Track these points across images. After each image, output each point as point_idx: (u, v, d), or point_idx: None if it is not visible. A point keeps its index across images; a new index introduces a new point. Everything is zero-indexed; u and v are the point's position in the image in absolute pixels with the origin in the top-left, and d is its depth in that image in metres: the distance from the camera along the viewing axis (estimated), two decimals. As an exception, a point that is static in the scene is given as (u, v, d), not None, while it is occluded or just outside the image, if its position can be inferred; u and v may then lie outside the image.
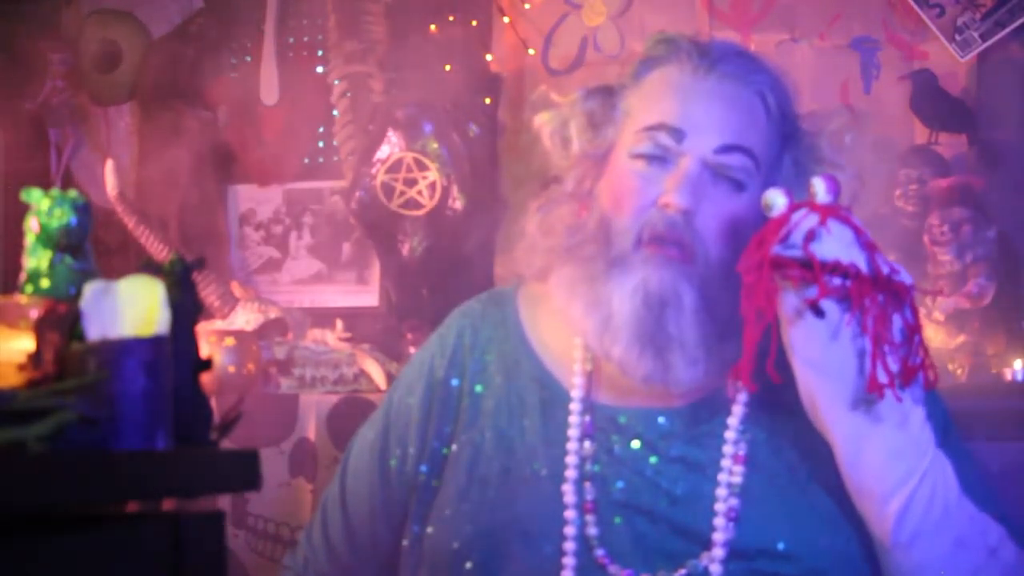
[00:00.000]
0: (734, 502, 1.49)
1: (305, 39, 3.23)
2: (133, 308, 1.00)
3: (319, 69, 3.18)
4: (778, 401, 1.50)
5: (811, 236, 1.38)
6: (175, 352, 1.02)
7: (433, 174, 2.87)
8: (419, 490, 1.59)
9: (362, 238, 3.09)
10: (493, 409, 1.58)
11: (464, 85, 3.03)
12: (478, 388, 1.60)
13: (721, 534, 1.48)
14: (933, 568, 1.44)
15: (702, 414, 1.54)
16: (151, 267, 1.06)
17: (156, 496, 1.04)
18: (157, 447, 0.98)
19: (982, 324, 2.69)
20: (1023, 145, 2.82)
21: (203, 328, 2.63)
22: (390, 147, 2.89)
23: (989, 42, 2.80)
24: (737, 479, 1.50)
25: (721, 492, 1.50)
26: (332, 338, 2.77)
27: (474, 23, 3.09)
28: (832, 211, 1.40)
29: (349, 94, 3.12)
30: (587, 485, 1.52)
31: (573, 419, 1.55)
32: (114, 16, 3.30)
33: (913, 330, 1.41)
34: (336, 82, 3.13)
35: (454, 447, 1.59)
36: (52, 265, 1.11)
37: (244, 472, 1.03)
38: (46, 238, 1.11)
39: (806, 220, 1.39)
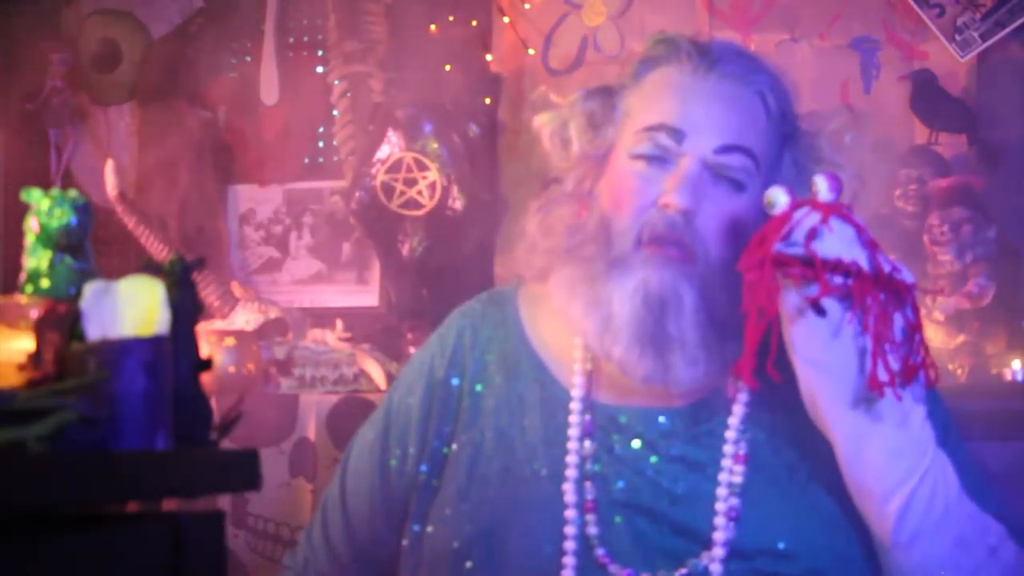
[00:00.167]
0: (734, 501, 1.49)
1: (305, 39, 3.23)
2: (133, 308, 1.00)
3: (319, 69, 3.18)
4: (779, 401, 1.50)
5: (813, 234, 1.38)
6: (175, 352, 1.02)
7: (433, 174, 2.86)
8: (419, 490, 1.59)
9: (362, 238, 3.09)
10: (493, 409, 1.58)
11: (464, 85, 3.03)
12: (478, 388, 1.61)
13: (721, 533, 1.48)
14: (933, 567, 1.44)
15: (703, 413, 1.54)
16: (151, 267, 1.06)
17: (156, 496, 1.04)
18: (157, 447, 0.98)
19: (982, 324, 2.69)
20: (1023, 145, 2.82)
21: (203, 328, 2.63)
22: (390, 147, 2.89)
23: (989, 42, 2.80)
24: (737, 479, 1.50)
25: (721, 492, 1.50)
26: (332, 338, 2.76)
27: (474, 23, 3.09)
28: (834, 209, 1.40)
29: (349, 94, 3.12)
30: (587, 484, 1.52)
31: (573, 418, 1.55)
32: (114, 16, 3.30)
33: (914, 329, 1.41)
34: (336, 82, 3.13)
35: (454, 447, 1.59)
36: (52, 265, 1.11)
37: (244, 472, 1.03)
38: (46, 238, 1.11)
39: (808, 218, 1.39)
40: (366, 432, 1.68)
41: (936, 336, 2.62)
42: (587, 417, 1.55)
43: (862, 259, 1.39)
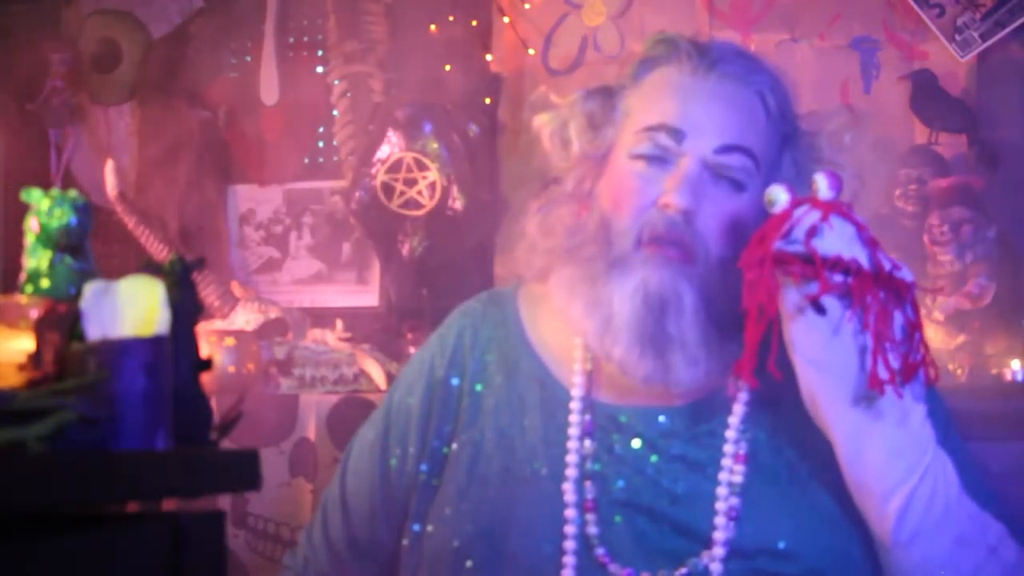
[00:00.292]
0: (735, 501, 1.49)
1: (305, 39, 3.23)
2: (133, 308, 1.00)
3: (319, 69, 3.18)
4: (779, 400, 1.50)
5: (813, 232, 1.38)
6: (175, 352, 1.02)
7: (433, 174, 2.86)
8: (419, 489, 1.59)
9: (362, 238, 3.09)
10: (493, 408, 1.59)
11: (464, 85, 3.03)
12: (478, 387, 1.61)
13: (722, 533, 1.48)
14: (933, 566, 1.44)
15: (703, 413, 1.54)
16: (151, 267, 1.06)
17: (156, 496, 1.04)
18: (157, 447, 0.98)
19: (982, 324, 2.69)
20: (1023, 145, 2.82)
21: (203, 328, 2.63)
22: (390, 147, 2.89)
23: (989, 42, 2.80)
24: (738, 478, 1.50)
25: (722, 491, 1.50)
26: (332, 338, 2.76)
27: (474, 23, 3.09)
28: (834, 207, 1.40)
29: (349, 94, 3.12)
30: (587, 484, 1.52)
31: (573, 418, 1.55)
32: (114, 16, 3.30)
33: (914, 327, 1.41)
34: (336, 82, 3.13)
35: (454, 446, 1.59)
36: (52, 265, 1.11)
37: (244, 472, 1.03)
38: (46, 238, 1.11)
39: (808, 216, 1.39)
40: (366, 432, 1.68)
41: (936, 336, 2.62)
42: (587, 417, 1.55)
43: (862, 257, 1.39)
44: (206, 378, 1.08)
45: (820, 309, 1.38)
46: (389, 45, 3.10)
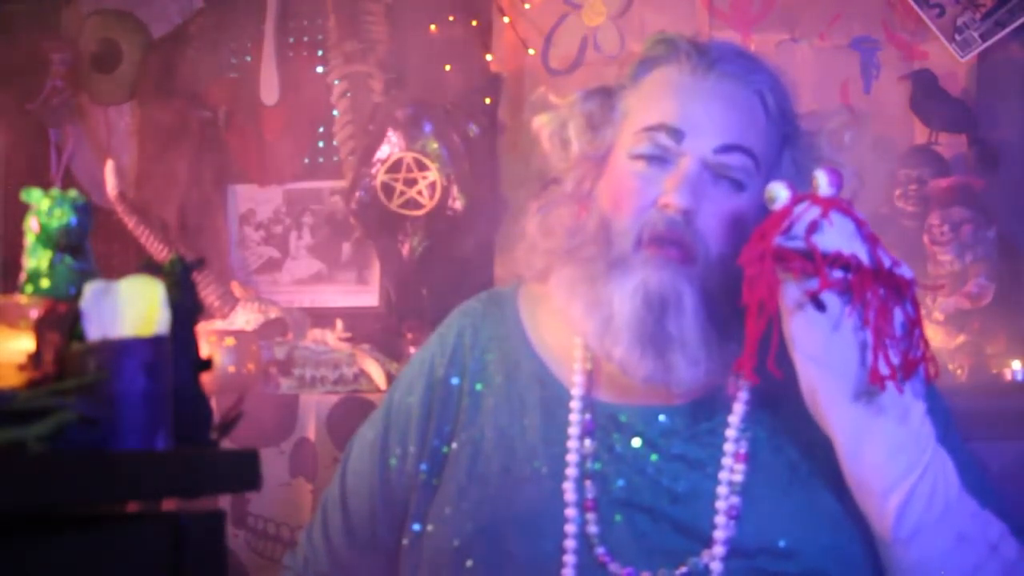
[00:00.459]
0: (735, 500, 1.49)
1: (305, 39, 3.23)
2: (133, 308, 1.00)
3: (319, 69, 3.18)
4: (779, 399, 1.50)
5: (813, 227, 1.38)
6: (175, 352, 1.02)
7: (433, 174, 2.87)
8: (419, 489, 1.59)
9: (362, 238, 3.09)
10: (493, 408, 1.59)
11: (464, 85, 3.03)
12: (478, 387, 1.61)
13: (722, 532, 1.48)
14: (934, 563, 1.44)
15: (703, 412, 1.54)
16: (151, 267, 1.06)
17: (156, 496, 1.04)
18: (157, 447, 0.98)
19: (982, 324, 2.69)
20: (1023, 145, 2.82)
21: (203, 328, 2.63)
22: (390, 147, 2.89)
23: (989, 42, 2.80)
24: (738, 477, 1.50)
25: (722, 490, 1.50)
26: (332, 338, 2.76)
27: (474, 23, 3.09)
28: (834, 203, 1.40)
29: (349, 94, 3.12)
30: (588, 483, 1.52)
31: (574, 417, 1.55)
32: (114, 16, 3.30)
33: (914, 324, 1.41)
34: (336, 82, 3.13)
35: (454, 446, 1.59)
36: (52, 265, 1.11)
37: (244, 472, 1.03)
38: (46, 238, 1.11)
39: (808, 212, 1.39)
40: (366, 432, 1.68)
41: (936, 336, 2.62)
42: (587, 416, 1.55)
43: (862, 253, 1.39)
44: (206, 378, 1.08)
45: (820, 306, 1.38)
46: (389, 45, 3.10)
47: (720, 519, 1.48)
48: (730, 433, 1.52)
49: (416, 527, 1.59)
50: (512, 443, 1.56)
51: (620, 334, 1.48)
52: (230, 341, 2.62)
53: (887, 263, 1.40)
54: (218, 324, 2.78)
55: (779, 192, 1.41)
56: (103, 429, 0.96)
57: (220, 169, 3.25)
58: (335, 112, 3.14)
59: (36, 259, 1.12)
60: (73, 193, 1.13)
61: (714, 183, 1.50)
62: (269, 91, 3.19)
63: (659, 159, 1.51)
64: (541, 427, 1.56)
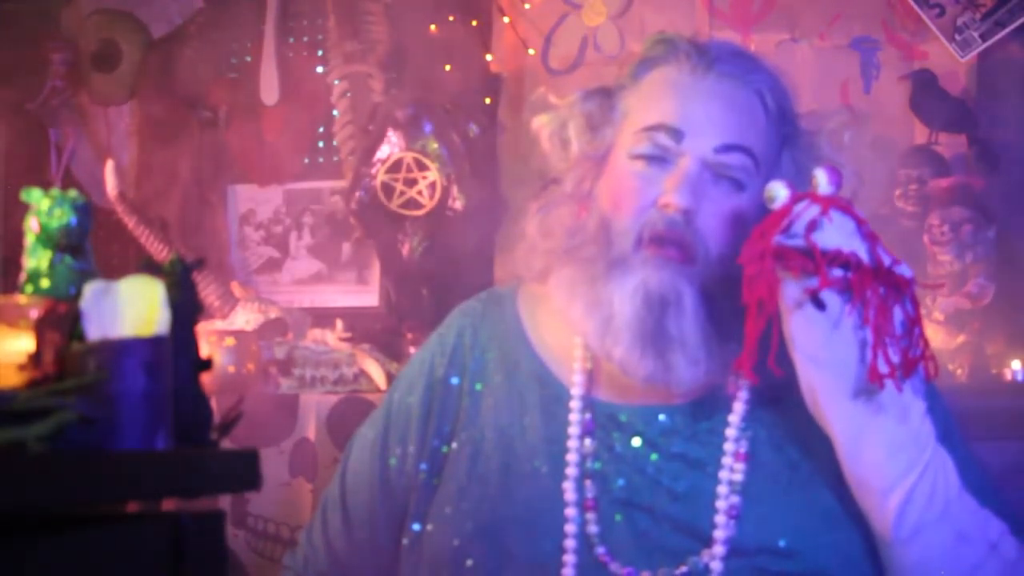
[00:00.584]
0: (735, 499, 1.49)
1: (305, 39, 3.23)
2: (133, 308, 1.00)
3: (319, 69, 3.19)
4: (779, 398, 1.50)
5: (813, 226, 1.38)
6: (175, 352, 1.02)
7: (433, 174, 2.87)
8: (419, 489, 1.59)
9: (362, 238, 3.09)
10: (493, 407, 1.59)
11: (464, 85, 3.03)
12: (478, 386, 1.61)
13: (722, 531, 1.48)
14: (934, 562, 1.44)
15: (703, 411, 1.54)
16: (151, 267, 1.06)
17: (156, 496, 1.04)
18: (157, 447, 0.98)
19: (982, 324, 2.69)
20: (1023, 145, 2.82)
21: (203, 328, 2.63)
22: (390, 147, 2.89)
23: (989, 42, 2.80)
24: (738, 476, 1.50)
25: (722, 489, 1.50)
26: (332, 338, 2.77)
27: (474, 23, 3.09)
28: (834, 202, 1.40)
29: (349, 94, 3.12)
30: (588, 483, 1.52)
31: (573, 417, 1.55)
32: (114, 16, 3.30)
33: (913, 322, 1.41)
34: (336, 82, 3.14)
35: (454, 445, 1.59)
36: (52, 265, 1.11)
37: (244, 472, 1.03)
38: (46, 238, 1.11)
39: (808, 210, 1.39)
40: (366, 431, 1.68)
41: (936, 336, 2.62)
42: (587, 415, 1.55)
43: (862, 251, 1.39)
44: (206, 378, 1.08)
45: (820, 304, 1.38)
46: (389, 45, 3.10)
47: (720, 518, 1.48)
48: (730, 432, 1.52)
49: (416, 527, 1.59)
50: (512, 443, 1.56)
51: (620, 334, 1.48)
52: (230, 341, 2.62)
53: (887, 261, 1.40)
54: (218, 324, 2.78)
55: (779, 191, 1.41)
56: (103, 429, 0.96)
57: (220, 169, 3.25)
58: (335, 112, 3.14)
59: (36, 259, 1.12)
60: (73, 193, 1.13)
61: (714, 183, 1.50)
62: (269, 91, 3.19)
63: (659, 159, 1.51)
64: (541, 427, 1.56)
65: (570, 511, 1.50)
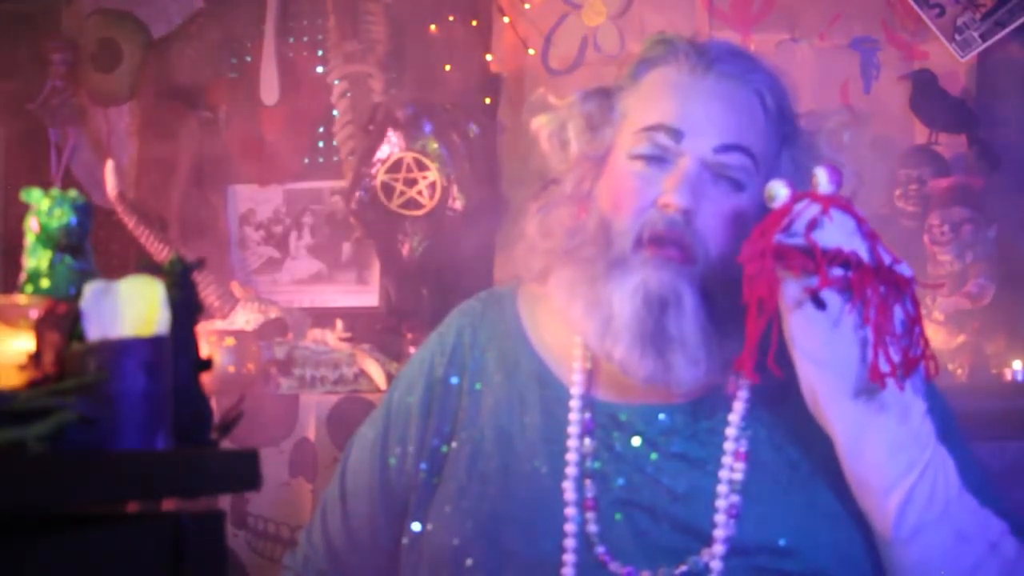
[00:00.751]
0: (735, 499, 1.49)
1: (305, 39, 3.23)
2: (133, 308, 1.00)
3: (319, 69, 3.19)
4: (779, 397, 1.50)
5: (813, 224, 1.38)
6: (175, 352, 1.02)
7: (433, 174, 2.87)
8: (419, 488, 1.59)
9: (362, 238, 3.09)
10: (493, 407, 1.59)
11: (464, 85, 3.03)
12: (478, 386, 1.61)
13: (722, 530, 1.48)
14: (934, 562, 1.44)
15: (703, 411, 1.54)
16: (151, 267, 1.06)
17: (156, 496, 1.04)
18: (157, 447, 0.98)
19: (982, 324, 2.69)
20: (1023, 145, 2.82)
21: (203, 328, 2.63)
22: (390, 147, 2.89)
23: (989, 42, 2.80)
24: (738, 475, 1.50)
25: (722, 489, 1.50)
26: (332, 338, 2.77)
27: (474, 23, 3.10)
28: (834, 200, 1.40)
29: (349, 94, 3.12)
30: (587, 482, 1.52)
31: (573, 416, 1.55)
32: (114, 16, 3.30)
33: (914, 321, 1.41)
34: (336, 82, 3.14)
35: (454, 445, 1.59)
36: (52, 265, 1.11)
37: (244, 472, 1.03)
38: (46, 238, 1.11)
39: (808, 209, 1.39)
40: (366, 431, 1.68)
41: (936, 336, 2.62)
42: (587, 415, 1.55)
43: (862, 250, 1.39)
44: (206, 378, 1.08)
45: (820, 303, 1.38)
46: (389, 45, 3.10)
47: (720, 518, 1.48)
48: (730, 432, 1.52)
49: (416, 526, 1.59)
50: (512, 442, 1.56)
51: (620, 334, 1.48)
52: (230, 341, 2.62)
53: (887, 260, 1.40)
54: (218, 324, 2.78)
55: (779, 190, 1.41)
56: (103, 429, 0.96)
57: (220, 169, 3.25)
58: (335, 112, 3.15)
59: (36, 259, 1.12)
60: (73, 193, 1.13)
61: (713, 183, 1.50)
62: (269, 91, 3.19)
63: (658, 159, 1.51)
64: (541, 426, 1.56)
65: (570, 510, 1.50)
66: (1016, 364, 2.62)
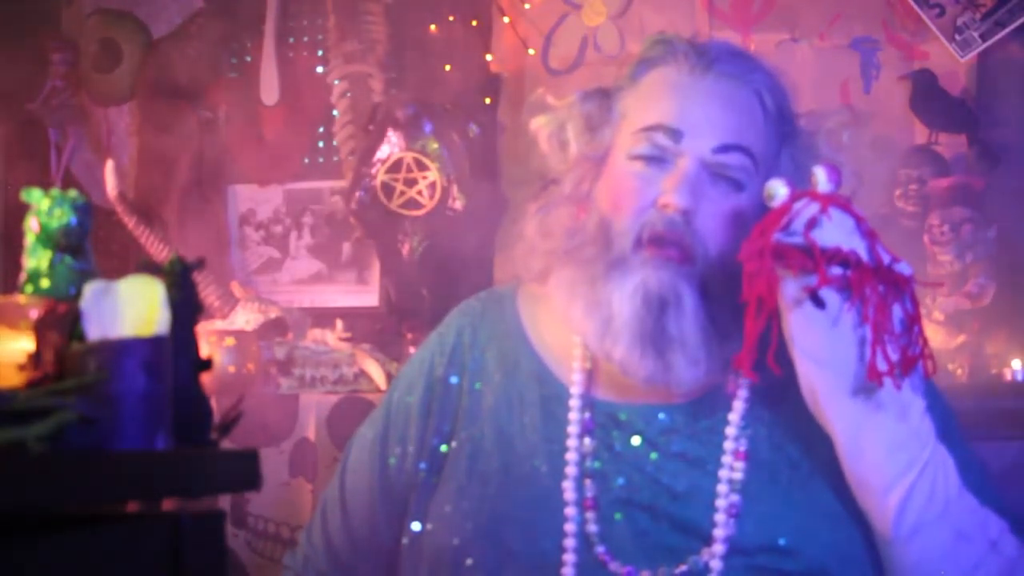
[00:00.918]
0: (735, 498, 1.49)
1: (305, 39, 3.23)
2: (133, 308, 1.00)
3: (319, 69, 3.18)
4: (779, 397, 1.50)
5: (812, 223, 1.38)
6: (175, 352, 1.02)
7: (433, 174, 2.86)
8: (419, 488, 1.59)
9: (362, 238, 3.09)
10: (493, 406, 1.59)
11: (464, 85, 3.03)
12: (477, 386, 1.61)
13: (722, 530, 1.48)
14: (934, 560, 1.44)
15: (703, 410, 1.54)
16: (151, 267, 1.06)
17: (156, 496, 1.04)
18: (157, 447, 0.98)
19: (982, 324, 2.69)
20: (1023, 145, 2.82)
21: (203, 328, 2.63)
22: (390, 147, 2.89)
23: (989, 42, 2.80)
24: (738, 475, 1.50)
25: (722, 488, 1.50)
26: (332, 338, 2.77)
27: (474, 23, 3.09)
28: (833, 199, 1.40)
29: (349, 94, 3.12)
30: (587, 482, 1.52)
31: (573, 416, 1.55)
32: (114, 16, 3.30)
33: (913, 320, 1.41)
34: (336, 82, 3.14)
35: (453, 444, 1.59)
36: (52, 265, 1.11)
37: (244, 472, 1.03)
38: (46, 238, 1.11)
39: (807, 208, 1.39)
40: (366, 431, 1.68)
41: (936, 336, 2.62)
42: (587, 414, 1.55)
43: (861, 249, 1.39)
44: (206, 378, 1.08)
45: (819, 302, 1.38)
46: (389, 45, 3.10)
47: (720, 517, 1.49)
48: (730, 431, 1.52)
49: (416, 526, 1.59)
50: (511, 441, 1.56)
51: (620, 335, 1.48)
52: (230, 341, 2.62)
53: (886, 259, 1.40)
54: (218, 324, 2.78)
55: (778, 189, 1.41)
56: (103, 429, 0.96)
57: (220, 169, 3.25)
58: (335, 112, 3.14)
59: (36, 259, 1.12)
60: (73, 193, 1.13)
61: (713, 183, 1.50)
62: (269, 91, 3.19)
63: (658, 159, 1.51)
64: (540, 426, 1.56)
65: (570, 510, 1.50)
66: (1016, 364, 2.62)
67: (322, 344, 2.73)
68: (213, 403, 1.09)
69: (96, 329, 0.99)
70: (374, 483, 1.64)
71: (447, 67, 3.04)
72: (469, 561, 1.52)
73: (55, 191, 1.13)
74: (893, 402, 1.41)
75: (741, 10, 2.97)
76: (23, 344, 1.04)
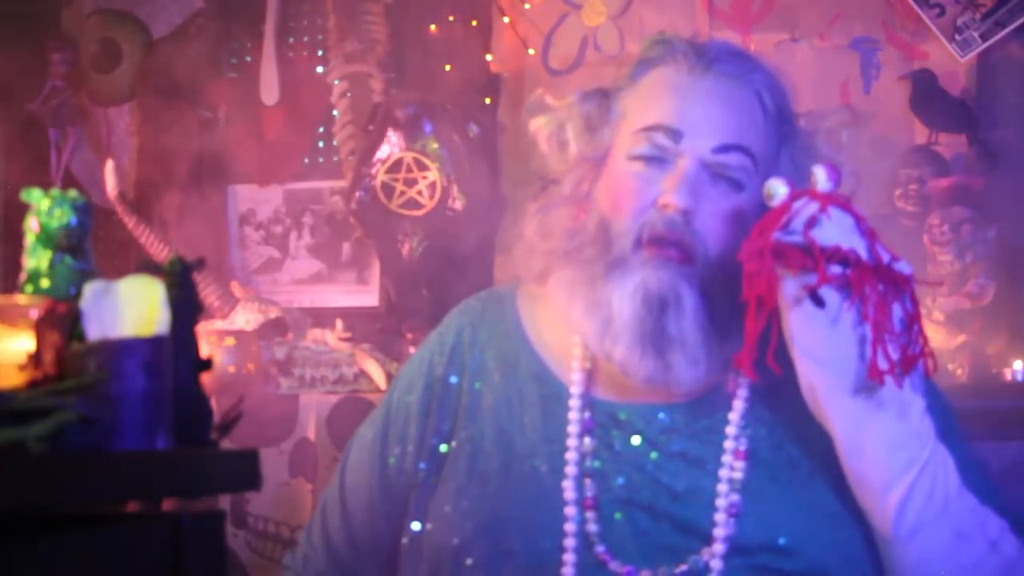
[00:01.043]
0: (735, 498, 1.49)
1: (305, 39, 3.23)
2: (133, 308, 1.00)
3: (319, 69, 3.18)
4: (779, 397, 1.50)
5: (812, 222, 1.38)
6: (175, 352, 1.02)
7: (433, 174, 2.87)
8: (419, 488, 1.59)
9: (362, 238, 3.09)
10: (493, 406, 1.59)
11: (464, 85, 3.03)
12: (477, 385, 1.61)
13: (722, 530, 1.48)
14: (934, 560, 1.44)
15: (703, 410, 1.54)
16: (151, 267, 1.06)
17: (156, 496, 1.04)
18: (157, 447, 0.98)
19: (982, 324, 2.69)
20: (1023, 145, 2.82)
21: (203, 328, 2.63)
22: (390, 147, 2.89)
23: (989, 42, 2.80)
24: (738, 475, 1.50)
25: (722, 488, 1.50)
26: (332, 338, 2.77)
27: (474, 23, 3.10)
28: (833, 198, 1.40)
29: (349, 94, 3.12)
30: (587, 481, 1.52)
31: (573, 415, 1.55)
32: (114, 16, 3.30)
33: (913, 319, 1.41)
34: (336, 82, 3.14)
35: (453, 444, 1.59)
36: (52, 265, 1.11)
37: (244, 472, 1.03)
38: (46, 238, 1.11)
39: (807, 207, 1.39)
40: (365, 431, 1.68)
41: (936, 336, 2.62)
42: (586, 414, 1.55)
43: (861, 248, 1.39)
44: (206, 378, 1.08)
45: (819, 301, 1.38)
46: (389, 45, 3.10)
47: (720, 517, 1.49)
48: (730, 430, 1.52)
49: (416, 526, 1.59)
50: (511, 441, 1.56)
51: (620, 335, 1.48)
52: (230, 341, 2.62)
53: (886, 258, 1.40)
54: (218, 324, 2.78)
55: (777, 188, 1.41)
56: (103, 429, 0.96)
57: (220, 169, 3.25)
58: (335, 112, 3.14)
59: (36, 259, 1.12)
60: (73, 193, 1.13)
61: (712, 183, 1.50)
62: (269, 91, 3.19)
63: (657, 159, 1.51)
64: (540, 425, 1.56)
65: (569, 510, 1.50)
66: (1016, 364, 2.62)
67: (322, 344, 2.73)
68: (213, 403, 1.09)
69: (96, 329, 0.99)
70: (374, 483, 1.64)
71: (447, 67, 3.04)
72: (469, 561, 1.52)
73: (55, 191, 1.13)
74: (893, 401, 1.41)
75: (741, 10, 2.97)
76: (23, 344, 1.04)
